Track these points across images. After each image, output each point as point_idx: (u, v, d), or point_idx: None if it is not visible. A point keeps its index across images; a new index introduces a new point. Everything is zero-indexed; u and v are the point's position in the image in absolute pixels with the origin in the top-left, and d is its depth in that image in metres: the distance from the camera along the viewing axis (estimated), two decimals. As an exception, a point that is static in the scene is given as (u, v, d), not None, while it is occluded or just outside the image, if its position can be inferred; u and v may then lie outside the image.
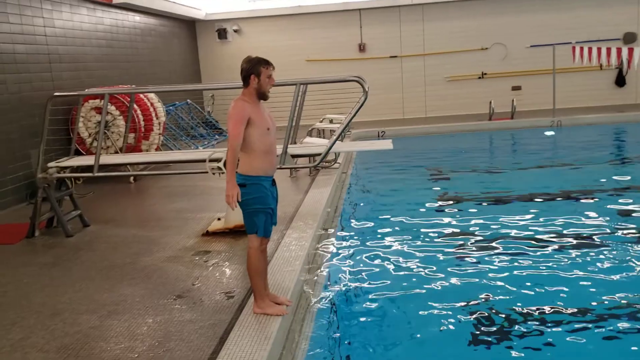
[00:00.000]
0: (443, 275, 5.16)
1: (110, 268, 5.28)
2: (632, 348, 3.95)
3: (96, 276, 5.09)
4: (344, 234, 6.49)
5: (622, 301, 4.54)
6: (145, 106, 9.91)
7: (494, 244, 5.95)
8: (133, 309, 4.32)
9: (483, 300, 4.65)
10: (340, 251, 5.91)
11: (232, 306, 4.23)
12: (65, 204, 6.81)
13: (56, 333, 3.98)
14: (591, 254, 5.54)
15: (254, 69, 3.94)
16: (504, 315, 4.40)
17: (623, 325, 4.18)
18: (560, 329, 4.17)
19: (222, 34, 16.90)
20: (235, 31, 16.94)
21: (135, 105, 9.44)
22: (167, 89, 9.91)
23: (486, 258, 5.56)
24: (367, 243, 6.12)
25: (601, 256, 5.44)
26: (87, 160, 7.27)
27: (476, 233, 6.35)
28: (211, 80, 16.77)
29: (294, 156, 6.03)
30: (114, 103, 9.28)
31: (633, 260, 5.32)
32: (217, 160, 5.83)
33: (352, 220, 7.12)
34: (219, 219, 6.29)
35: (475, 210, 7.26)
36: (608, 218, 6.70)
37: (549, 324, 4.23)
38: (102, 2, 11.23)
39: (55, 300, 4.59)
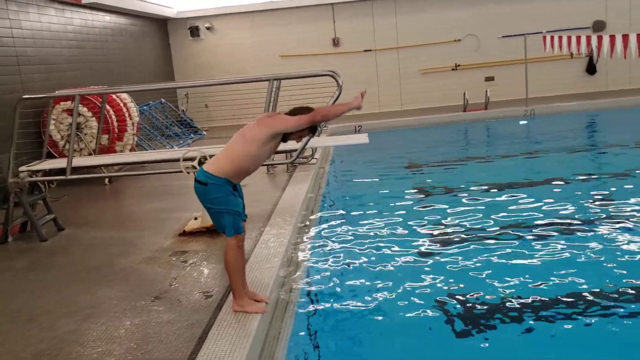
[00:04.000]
0: (422, 268, 5.19)
1: (87, 271, 5.22)
2: (611, 334, 4.01)
3: (72, 280, 5.03)
4: (323, 229, 6.49)
5: (598, 289, 4.60)
6: (118, 107, 9.80)
7: (474, 235, 5.99)
8: (110, 311, 4.27)
9: (466, 292, 4.67)
10: (319, 247, 5.91)
11: (210, 306, 4.21)
12: (39, 208, 6.70)
13: (32, 339, 3.92)
14: (569, 240, 5.61)
15: (309, 128, 4.01)
16: (486, 306, 4.43)
17: (600, 312, 4.25)
18: (538, 317, 4.23)
19: (194, 31, 16.76)
20: (208, 29, 16.81)
21: (107, 106, 9.33)
22: (139, 88, 9.78)
23: (467, 249, 5.59)
24: (346, 238, 6.12)
25: (578, 243, 5.52)
26: (59, 163, 7.17)
27: (455, 224, 6.39)
28: (185, 78, 16.63)
29: (269, 153, 6.00)
30: (86, 104, 9.16)
31: (607, 246, 5.41)
32: (191, 159, 5.78)
33: (330, 216, 7.12)
34: (195, 219, 6.25)
35: (454, 202, 7.31)
36: (583, 204, 6.80)
37: (529, 313, 4.28)
38: (70, 3, 11.06)
39: (31, 305, 4.52)
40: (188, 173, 5.85)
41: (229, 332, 3.70)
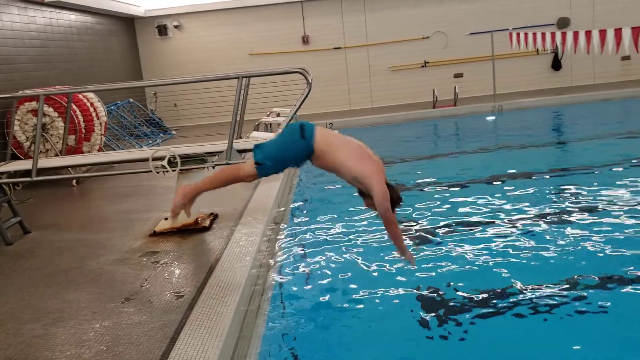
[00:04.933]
0: (396, 264, 5.21)
1: (54, 274, 5.12)
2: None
3: (39, 283, 4.92)
4: (295, 227, 6.48)
5: (570, 280, 4.68)
6: (85, 106, 9.63)
7: (445, 229, 6.06)
8: (79, 314, 4.20)
9: (440, 287, 4.70)
10: (291, 245, 5.90)
11: (182, 306, 4.16)
12: (4, 211, 6.54)
13: (-2, 345, 3.83)
14: (538, 233, 5.71)
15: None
16: (463, 299, 4.48)
17: (575, 301, 4.33)
18: (511, 308, 4.29)
19: (162, 30, 16.58)
20: (176, 27, 16.64)
21: (74, 106, 9.16)
22: (105, 88, 9.65)
23: (439, 244, 5.65)
24: (319, 235, 6.12)
25: (547, 236, 5.61)
26: (24, 164, 7.00)
27: (427, 219, 6.45)
28: (153, 78, 16.44)
29: (240, 151, 5.96)
30: (51, 104, 8.98)
31: (575, 238, 5.51)
32: (161, 158, 5.72)
33: (302, 214, 7.12)
34: (165, 219, 6.18)
35: (425, 197, 7.37)
36: (551, 198, 6.92)
37: (505, 304, 4.34)
38: (34, 1, 10.84)
39: (-4, 311, 4.42)
40: (157, 173, 5.78)
41: (200, 332, 3.66)
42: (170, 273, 4.90)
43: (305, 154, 4.28)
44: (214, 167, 5.95)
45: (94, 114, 9.76)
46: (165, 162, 5.67)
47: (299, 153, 4.27)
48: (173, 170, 5.67)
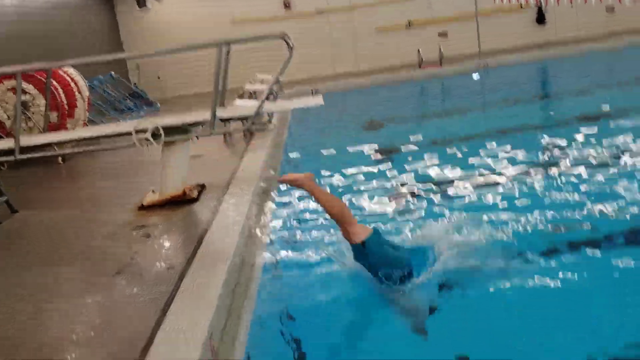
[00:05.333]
0: (389, 228, 5.23)
1: (44, 252, 5.11)
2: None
3: (29, 262, 4.91)
4: (284, 196, 6.48)
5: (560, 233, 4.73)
6: (65, 82, 9.48)
7: (437, 190, 6.08)
8: (71, 291, 4.21)
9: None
10: (281, 214, 5.92)
11: (172, 277, 4.17)
12: (-11, 192, 6.50)
13: (-9, 325, 3.84)
14: (528, 188, 5.75)
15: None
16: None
17: (554, 254, 4.39)
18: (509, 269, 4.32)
19: (141, 2, 16.26)
20: (155, -2, 16.35)
21: (54, 82, 9.02)
22: (84, 61, 9.46)
23: (433, 205, 5.67)
24: (308, 203, 6.13)
25: (537, 190, 5.65)
26: (6, 143, 6.92)
27: (418, 180, 6.47)
28: (134, 51, 16.20)
29: (223, 120, 5.92)
30: (31, 81, 8.83)
31: (564, 191, 5.55)
32: (144, 131, 5.66)
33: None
34: (153, 192, 6.15)
35: (415, 158, 7.36)
36: (538, 153, 6.94)
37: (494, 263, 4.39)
38: (6, -24, 10.58)
39: (-13, 291, 4.42)
40: (142, 146, 5.73)
41: (191, 303, 3.68)
42: (159, 245, 4.91)
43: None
44: (197, 138, 5.91)
45: (75, 90, 9.63)
46: (148, 135, 5.62)
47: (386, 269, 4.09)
48: (157, 143, 5.63)
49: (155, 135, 5.64)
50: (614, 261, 4.17)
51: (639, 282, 3.96)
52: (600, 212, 5.04)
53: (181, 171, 5.95)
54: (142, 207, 5.96)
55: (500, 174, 6.33)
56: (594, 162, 6.37)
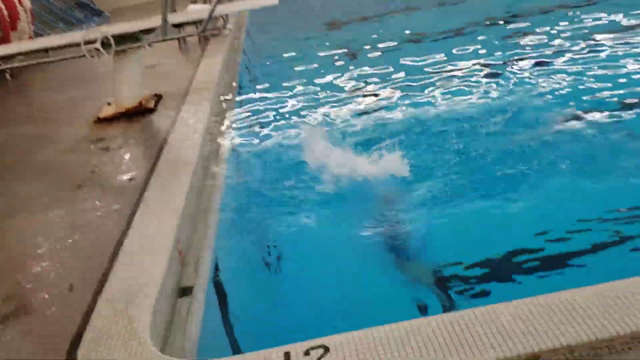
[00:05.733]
0: (356, 130, 5.23)
1: (1, 170, 5.00)
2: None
3: (-14, 182, 4.83)
4: (245, 101, 6.40)
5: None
6: (4, -8, 8.91)
7: (407, 89, 6.05)
8: (32, 206, 4.17)
9: (407, 148, 4.72)
10: (242, 119, 5.86)
11: (134, 188, 4.15)
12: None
13: (-47, 245, 3.81)
14: (498, 83, 5.78)
15: None
16: (425, 157, 4.56)
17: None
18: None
19: None
20: None
21: (-9, -7, 8.47)
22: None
23: (401, 104, 5.67)
24: (270, 107, 6.07)
25: (508, 84, 5.68)
26: (-52, 61, 6.58)
27: (384, 81, 6.42)
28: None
29: (176, 26, 5.70)
30: (-33, -7, 8.28)
31: (534, 85, 5.60)
32: (93, 41, 5.42)
33: (251, 87, 7.00)
34: (109, 104, 5.99)
35: (380, 58, 7.27)
36: (504, 46, 6.92)
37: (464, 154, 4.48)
38: None
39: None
40: (92, 57, 5.50)
41: (156, 212, 3.69)
42: (119, 157, 4.85)
43: None
44: (150, 45, 5.71)
45: (16, 0, 9.07)
46: (98, 45, 5.38)
47: None
48: (108, 53, 5.41)
49: (105, 44, 5.41)
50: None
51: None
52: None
53: (136, 81, 5.78)
54: (99, 120, 5.82)
55: (463, 69, 6.32)
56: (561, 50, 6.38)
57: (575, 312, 2.23)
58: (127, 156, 4.87)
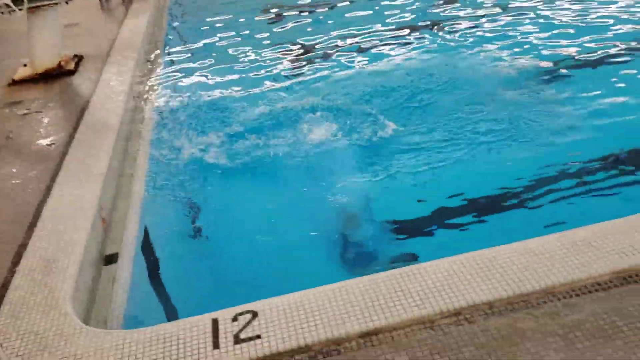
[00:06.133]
0: (287, 90, 5.18)
1: None
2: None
3: None
4: (170, 61, 6.20)
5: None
6: None
7: (335, 50, 6.01)
8: (-58, 175, 3.91)
9: (340, 101, 4.77)
10: (167, 79, 5.68)
11: (54, 153, 3.97)
12: None
13: None
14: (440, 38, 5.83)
15: None
16: (361, 106, 4.62)
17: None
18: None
19: None
20: None
21: None
22: None
23: (333, 63, 5.65)
24: (197, 67, 5.91)
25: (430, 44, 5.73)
26: None
27: (313, 41, 6.35)
28: None
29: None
30: None
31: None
32: (3, -4, 5.06)
33: (177, 46, 6.78)
34: (25, 66, 5.65)
35: (311, 20, 7.17)
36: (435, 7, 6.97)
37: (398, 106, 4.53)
38: None
39: None
40: (2, 14, 5.15)
41: (77, 177, 3.54)
42: (37, 122, 4.60)
43: None
44: (67, 2, 5.40)
45: None
46: (8, 1, 5.03)
47: None
48: (20, 9, 5.07)
49: (16, 0, 5.07)
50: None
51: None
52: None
53: (53, 41, 5.47)
54: (14, 83, 5.48)
55: (391, 30, 6.33)
56: None
57: (494, 270, 2.32)
58: (45, 120, 4.63)
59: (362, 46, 6.04)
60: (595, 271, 2.25)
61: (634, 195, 3.25)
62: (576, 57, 5.19)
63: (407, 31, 6.31)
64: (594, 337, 2.00)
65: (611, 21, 5.84)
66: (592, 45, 5.37)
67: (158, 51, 6.59)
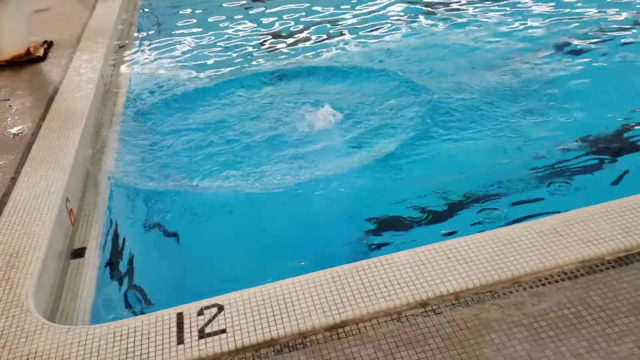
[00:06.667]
0: (257, 69, 5.12)
1: None
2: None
3: None
4: (143, 49, 6.08)
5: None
6: None
7: (307, 32, 5.96)
8: None
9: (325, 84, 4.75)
10: (140, 67, 5.58)
11: (20, 143, 3.88)
12: None
13: None
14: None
15: None
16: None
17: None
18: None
19: None
20: None
21: None
22: None
23: (307, 47, 5.58)
24: (171, 54, 5.82)
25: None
26: None
27: (289, 26, 6.31)
28: None
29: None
30: None
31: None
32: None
33: (151, 33, 6.65)
34: (-9, 52, 5.52)
35: (288, 4, 7.08)
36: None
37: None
38: None
39: None
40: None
41: (44, 168, 3.47)
42: (4, 110, 4.49)
43: None
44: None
45: None
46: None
47: None
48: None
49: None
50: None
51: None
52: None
53: (20, 26, 5.34)
54: (-19, 70, 5.36)
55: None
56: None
57: (462, 260, 2.31)
58: (12, 109, 4.52)
59: (344, 31, 5.99)
60: (562, 260, 2.26)
61: (600, 184, 3.26)
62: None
63: (393, 13, 6.29)
64: (558, 327, 2.00)
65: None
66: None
67: (131, 37, 6.48)
